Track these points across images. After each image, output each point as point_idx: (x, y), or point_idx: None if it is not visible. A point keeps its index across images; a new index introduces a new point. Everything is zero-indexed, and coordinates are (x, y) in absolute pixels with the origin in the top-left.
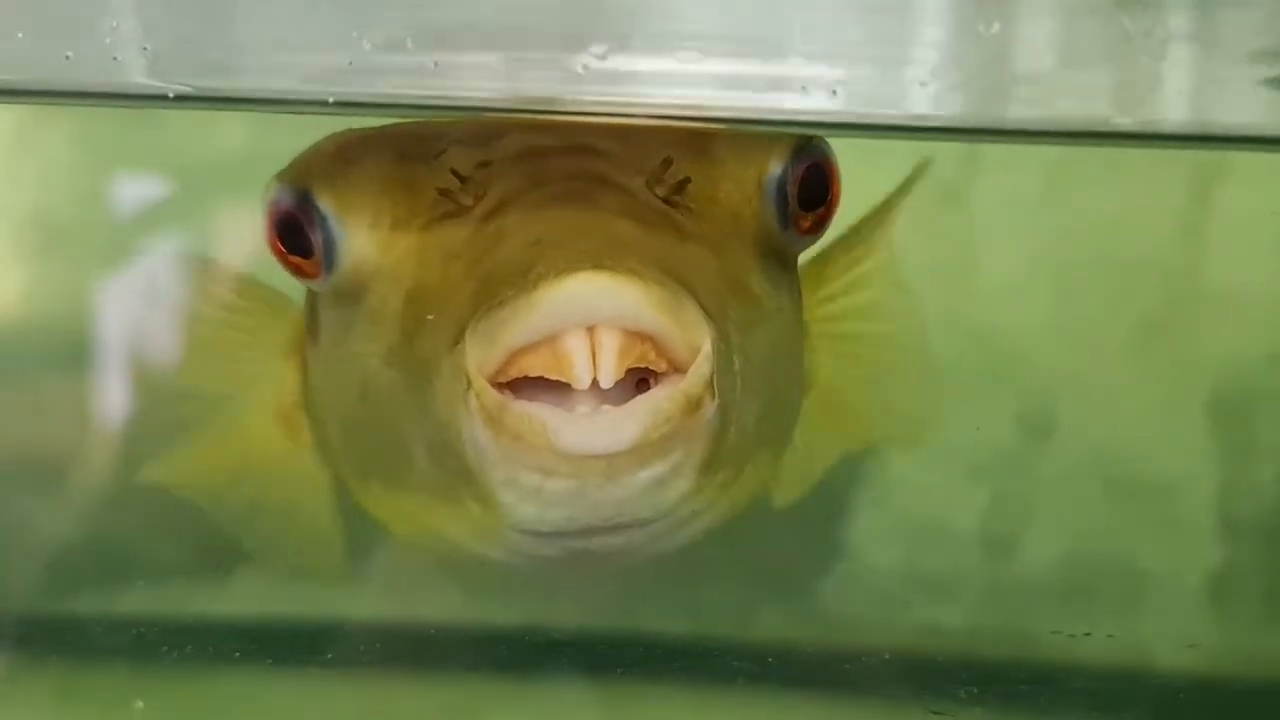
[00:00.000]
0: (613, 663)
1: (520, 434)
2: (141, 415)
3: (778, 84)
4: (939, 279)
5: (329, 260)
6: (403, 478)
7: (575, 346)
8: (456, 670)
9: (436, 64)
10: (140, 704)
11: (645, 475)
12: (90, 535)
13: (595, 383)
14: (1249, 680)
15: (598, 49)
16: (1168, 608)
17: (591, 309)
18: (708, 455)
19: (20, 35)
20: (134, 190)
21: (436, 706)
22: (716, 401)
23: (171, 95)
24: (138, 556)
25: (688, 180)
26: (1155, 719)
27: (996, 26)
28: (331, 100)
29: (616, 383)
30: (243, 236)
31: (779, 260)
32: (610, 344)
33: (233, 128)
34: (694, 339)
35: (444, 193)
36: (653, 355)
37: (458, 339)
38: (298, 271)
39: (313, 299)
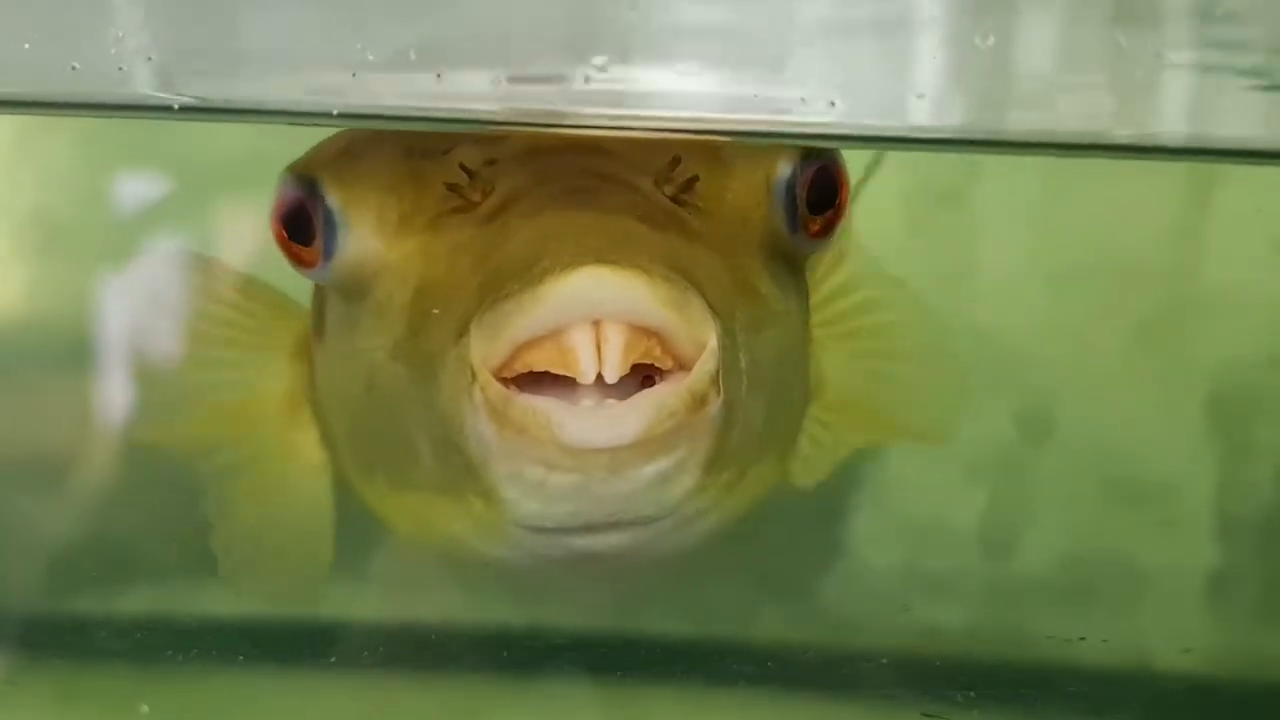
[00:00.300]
0: (614, 663)
1: (524, 427)
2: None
3: (776, 97)
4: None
5: (328, 250)
6: (407, 474)
7: (580, 340)
8: (459, 671)
9: (439, 76)
10: (146, 708)
11: (649, 471)
12: (93, 535)
13: (601, 379)
14: (1245, 681)
15: (598, 62)
16: (1164, 608)
17: (597, 303)
18: (712, 453)
19: (27, 46)
20: (137, 189)
21: (439, 707)
22: (721, 398)
23: (177, 107)
24: (140, 557)
25: (696, 179)
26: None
27: (992, 39)
28: (335, 112)
29: (622, 381)
30: (246, 235)
31: (787, 262)
32: (615, 338)
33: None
34: (699, 335)
35: (452, 188)
36: (658, 352)
37: (463, 332)
38: (296, 259)
39: (320, 295)
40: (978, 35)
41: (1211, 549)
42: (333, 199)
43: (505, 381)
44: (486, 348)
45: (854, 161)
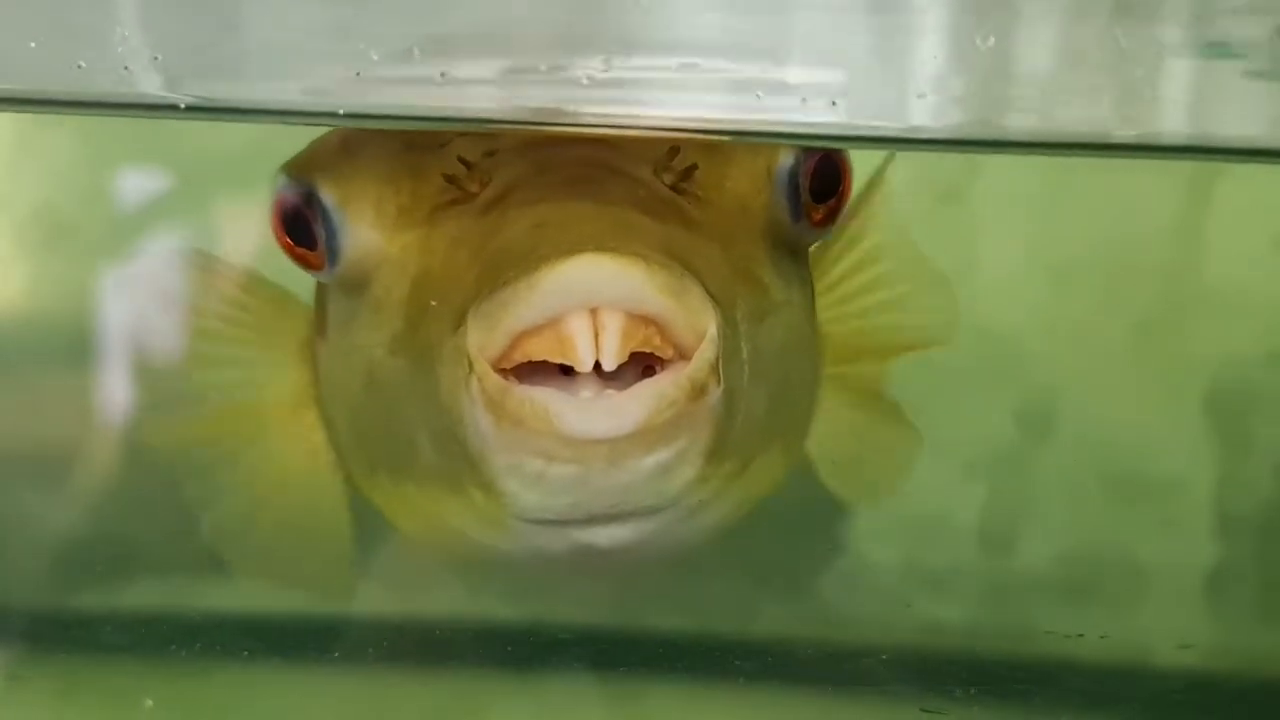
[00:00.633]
0: (616, 658)
1: (522, 418)
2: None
3: (778, 97)
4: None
5: (332, 251)
6: (410, 469)
7: (577, 328)
8: (462, 666)
9: (443, 75)
10: (150, 703)
11: (649, 461)
12: (97, 531)
13: (601, 371)
14: (1243, 678)
15: (599, 62)
16: (1164, 605)
17: (594, 290)
18: (713, 442)
19: (33, 45)
20: (139, 184)
21: (442, 701)
22: (721, 387)
23: (183, 106)
24: (145, 552)
25: (695, 168)
26: (1150, 716)
27: (993, 40)
28: (341, 112)
29: (623, 372)
30: (250, 231)
31: (790, 251)
32: (613, 325)
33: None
34: (699, 323)
35: (450, 179)
36: (658, 340)
37: (460, 323)
38: (304, 263)
39: (321, 291)
40: (978, 36)
41: (1211, 546)
42: (330, 197)
43: (504, 373)
44: (484, 338)
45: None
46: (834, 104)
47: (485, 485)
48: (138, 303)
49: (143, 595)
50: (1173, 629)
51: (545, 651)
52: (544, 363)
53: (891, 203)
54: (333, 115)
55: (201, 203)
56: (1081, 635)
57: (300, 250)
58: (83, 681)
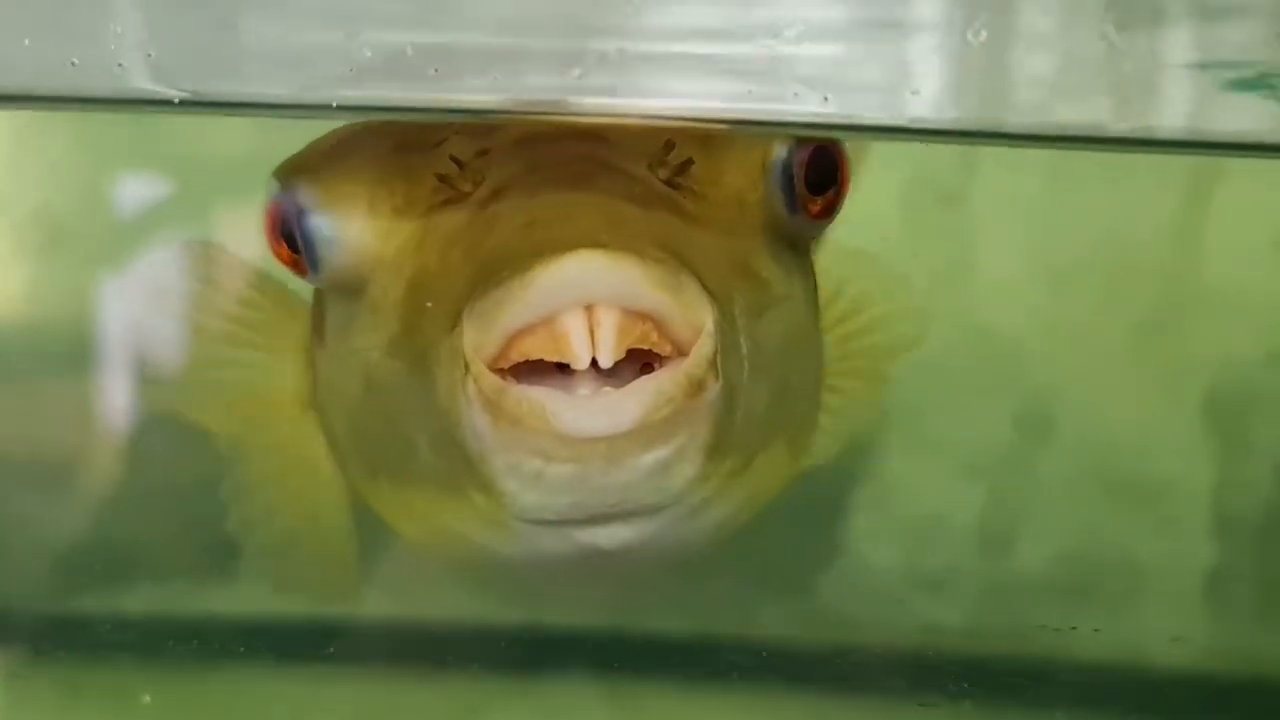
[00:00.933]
0: (615, 659)
1: (519, 418)
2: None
3: (771, 90)
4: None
5: (324, 256)
6: (409, 473)
7: (572, 325)
8: (462, 668)
9: (436, 70)
10: (147, 698)
11: (648, 458)
12: (101, 534)
13: (599, 369)
14: (1243, 678)
15: (591, 55)
16: (1162, 604)
17: (588, 287)
18: (713, 438)
19: (27, 42)
20: (140, 188)
21: (441, 703)
22: (720, 383)
23: (176, 101)
24: (150, 555)
25: (690, 163)
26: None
27: (985, 35)
28: (335, 105)
29: (621, 369)
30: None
31: (789, 245)
32: (608, 322)
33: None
34: (695, 318)
35: (442, 179)
36: (655, 337)
37: (455, 324)
38: (298, 270)
39: (319, 296)
40: (970, 31)
41: (1210, 547)
42: (321, 202)
43: (501, 373)
44: (479, 337)
45: None
46: (826, 99)
47: (485, 486)
48: (139, 299)
49: (143, 598)
50: (1171, 630)
51: (546, 653)
52: (542, 362)
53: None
54: (326, 108)
55: (201, 207)
56: (1074, 628)
57: (295, 256)
58: (83, 681)
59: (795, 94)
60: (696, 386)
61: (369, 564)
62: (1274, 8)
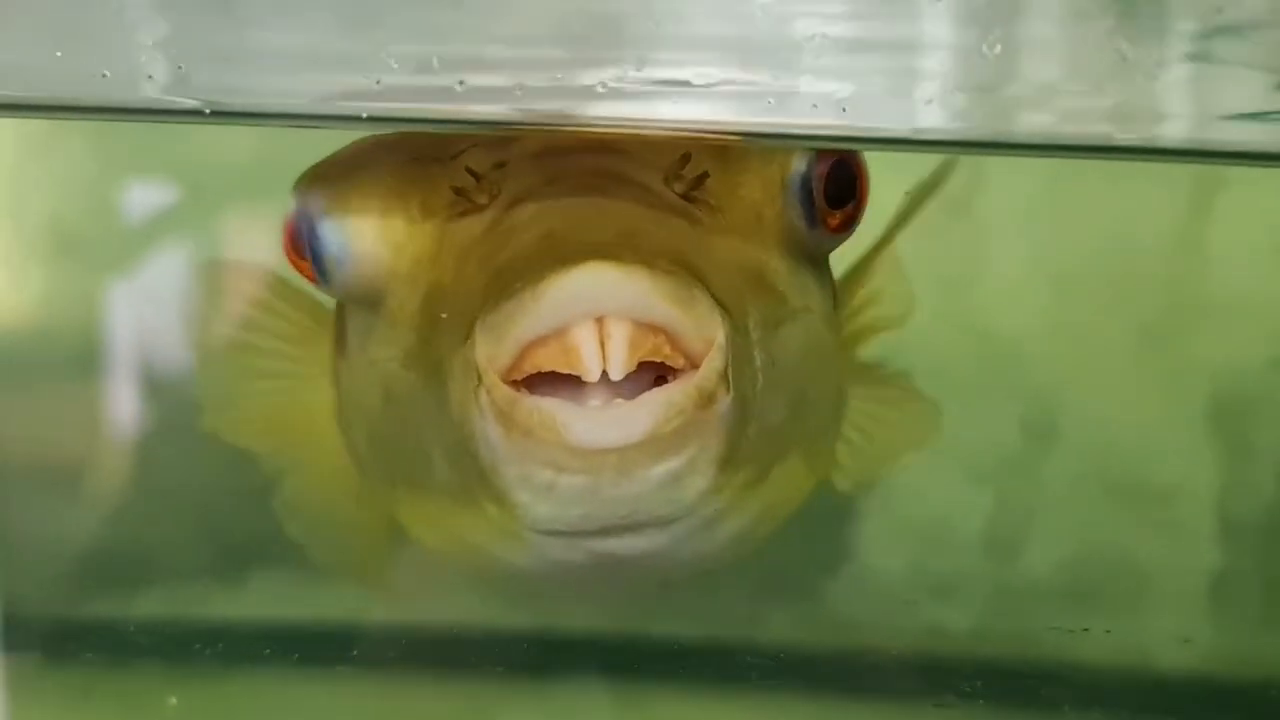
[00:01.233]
0: (628, 664)
1: (530, 429)
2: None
3: (788, 102)
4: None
5: (325, 269)
6: (425, 483)
7: (583, 337)
8: (480, 671)
9: (462, 83)
10: (174, 700)
11: (659, 470)
12: (116, 539)
13: (609, 379)
14: (1248, 682)
15: (614, 70)
16: (1167, 609)
17: (599, 299)
18: (724, 451)
19: (59, 54)
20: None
21: (456, 705)
22: (731, 395)
23: (208, 112)
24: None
25: (706, 175)
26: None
27: (999, 48)
28: (365, 116)
29: (636, 382)
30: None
31: (807, 258)
32: (619, 334)
33: None
34: (707, 331)
35: (459, 191)
36: (668, 350)
37: (469, 335)
38: (313, 280)
39: (341, 309)
40: (985, 44)
41: (1214, 551)
42: (331, 215)
43: (515, 384)
44: (491, 349)
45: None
46: (844, 110)
47: (498, 497)
48: (156, 313)
49: (162, 601)
50: (1177, 633)
51: (560, 657)
52: (558, 374)
53: None
54: (357, 119)
55: (215, 215)
56: (1086, 630)
57: (312, 269)
58: (104, 684)
59: (814, 106)
60: (707, 399)
61: (398, 570)
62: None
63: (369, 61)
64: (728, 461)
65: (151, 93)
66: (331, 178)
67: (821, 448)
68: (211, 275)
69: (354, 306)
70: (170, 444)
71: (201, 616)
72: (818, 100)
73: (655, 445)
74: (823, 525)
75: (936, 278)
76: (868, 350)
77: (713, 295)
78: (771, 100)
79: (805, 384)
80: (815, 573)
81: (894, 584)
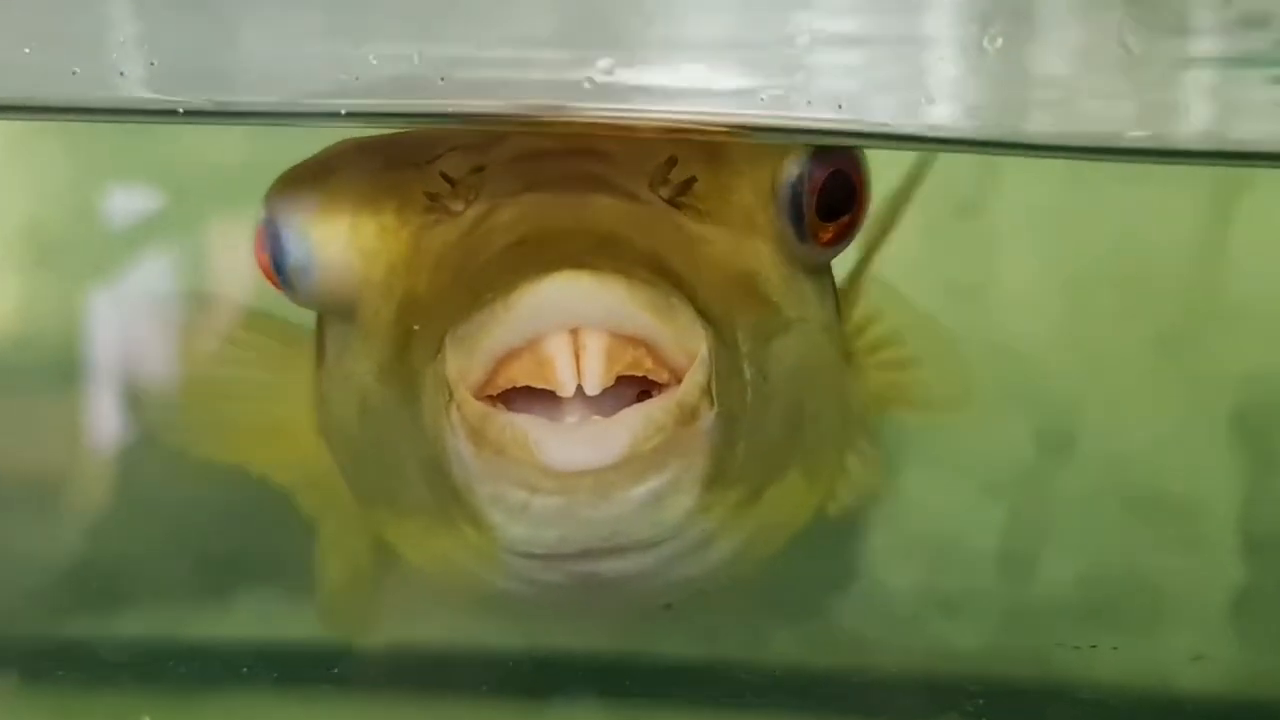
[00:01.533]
0: (624, 684)
1: (502, 447)
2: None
3: (784, 97)
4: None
5: (294, 279)
6: (403, 500)
7: (557, 349)
8: (467, 690)
9: (443, 79)
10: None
11: (639, 491)
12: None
13: (586, 394)
14: (1264, 696)
15: (604, 63)
16: (1185, 626)
17: (573, 310)
18: (710, 470)
19: (27, 51)
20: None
21: None
22: (716, 411)
23: (181, 111)
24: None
25: (693, 180)
26: None
27: (1000, 42)
28: (344, 112)
29: (617, 397)
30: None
31: (803, 266)
32: (595, 347)
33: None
34: (689, 343)
35: (433, 197)
36: (649, 363)
37: (440, 347)
38: (279, 288)
39: (321, 323)
40: (986, 38)
41: (1236, 567)
42: (298, 222)
43: (490, 400)
44: (462, 362)
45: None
46: (840, 106)
47: (473, 518)
48: (137, 323)
49: (140, 619)
50: (1194, 652)
51: (552, 676)
52: (538, 390)
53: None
54: (334, 116)
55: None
56: (1094, 646)
57: (283, 279)
58: (77, 706)
59: (808, 101)
60: (689, 415)
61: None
62: None
63: (348, 57)
64: (715, 481)
65: (124, 91)
66: (298, 182)
67: (824, 464)
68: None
69: (332, 318)
70: (149, 457)
71: (179, 635)
72: (813, 97)
73: (634, 464)
74: (828, 540)
75: (945, 284)
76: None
77: (696, 306)
78: (764, 98)
79: (802, 398)
80: (820, 589)
81: (902, 601)
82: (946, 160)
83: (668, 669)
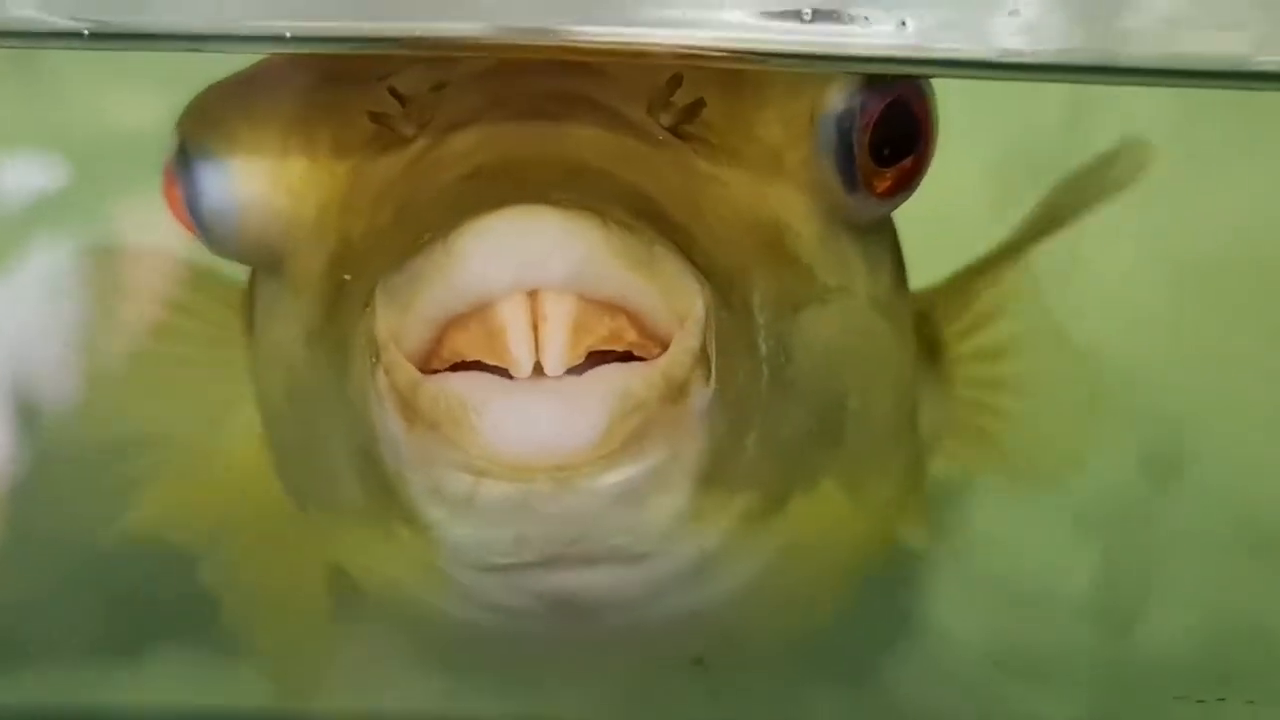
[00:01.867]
0: None
1: (436, 421)
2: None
3: (832, 13)
4: None
5: (210, 222)
6: (333, 499)
7: (511, 316)
8: None
9: None
10: None
11: (610, 481)
12: None
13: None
14: None
15: None
16: None
17: (529, 263)
18: (706, 465)
19: None
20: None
21: None
22: (713, 388)
23: (87, 34)
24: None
25: (702, 104)
26: None
27: None
28: (289, 35)
29: (594, 375)
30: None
31: (848, 222)
32: (558, 314)
33: None
34: (679, 304)
35: (378, 119)
36: (633, 334)
37: (369, 301)
38: (192, 232)
39: (251, 279)
40: None
41: None
42: (214, 152)
43: (432, 373)
44: (394, 320)
45: None
46: (903, 23)
47: (408, 517)
48: (35, 317)
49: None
50: None
51: None
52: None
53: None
54: (278, 40)
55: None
56: (1223, 700)
57: (198, 224)
58: None
59: (866, 17)
60: (677, 390)
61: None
62: None
63: None
64: (713, 479)
65: (18, 10)
66: (216, 102)
67: (876, 476)
68: (107, 266)
69: (259, 274)
70: (46, 481)
71: (83, 701)
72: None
73: (605, 446)
74: (879, 581)
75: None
76: None
77: (693, 258)
78: (809, 12)
79: (842, 387)
80: (870, 644)
81: (973, 661)
82: (1028, 111)
83: None
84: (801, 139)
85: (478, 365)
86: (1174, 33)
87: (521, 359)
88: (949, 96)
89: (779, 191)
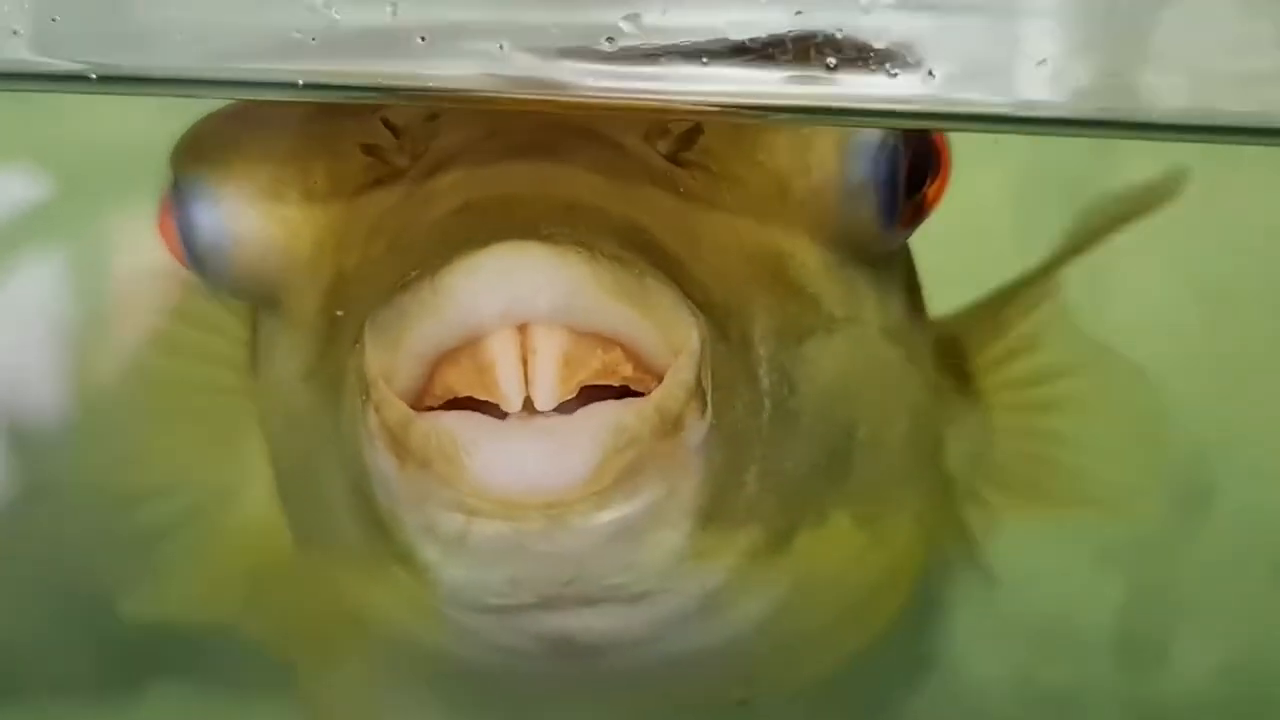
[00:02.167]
0: None
1: (428, 459)
2: None
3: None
4: None
5: (204, 259)
6: (331, 538)
7: (500, 351)
8: None
9: (424, 39)
10: None
11: (605, 519)
12: None
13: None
14: None
15: (620, 21)
16: None
17: (518, 297)
18: (704, 500)
19: None
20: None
21: None
22: (709, 421)
23: (94, 77)
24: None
25: (699, 131)
26: None
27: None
28: (301, 83)
29: (589, 411)
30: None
31: (859, 250)
32: (548, 347)
33: None
34: (673, 337)
35: (370, 151)
36: (628, 369)
37: (359, 338)
38: (186, 268)
39: (253, 315)
40: None
41: None
42: (206, 187)
43: (424, 410)
44: (383, 357)
45: None
46: (930, 74)
47: (404, 557)
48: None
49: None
50: None
51: None
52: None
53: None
54: (288, 87)
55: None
56: None
57: (186, 256)
58: None
59: (890, 70)
60: (671, 424)
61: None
62: None
63: (305, 12)
64: (713, 516)
65: (15, 53)
66: (210, 135)
67: (892, 511)
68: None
69: (261, 309)
70: (39, 512)
71: None
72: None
73: (597, 482)
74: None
75: None
76: None
77: (688, 289)
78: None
79: (850, 420)
80: (888, 681)
81: (996, 698)
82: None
83: None
84: (826, 168)
85: (470, 402)
86: (1205, 87)
87: (511, 393)
88: None
89: (784, 220)
